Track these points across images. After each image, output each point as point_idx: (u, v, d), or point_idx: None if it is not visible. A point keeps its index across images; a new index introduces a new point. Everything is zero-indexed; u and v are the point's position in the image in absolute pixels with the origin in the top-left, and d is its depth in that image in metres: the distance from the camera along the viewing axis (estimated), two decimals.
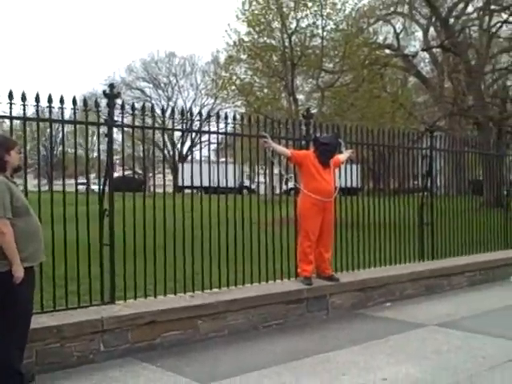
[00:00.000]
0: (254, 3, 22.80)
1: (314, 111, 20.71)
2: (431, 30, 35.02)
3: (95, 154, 7.34)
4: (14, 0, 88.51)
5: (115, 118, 6.86)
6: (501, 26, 31.58)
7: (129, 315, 6.32)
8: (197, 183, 7.65)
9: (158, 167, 9.69)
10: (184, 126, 7.82)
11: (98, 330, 6.06)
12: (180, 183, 16.66)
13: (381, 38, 31.63)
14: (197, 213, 7.49)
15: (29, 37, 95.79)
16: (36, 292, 5.51)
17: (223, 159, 8.11)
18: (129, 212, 6.82)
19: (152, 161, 8.17)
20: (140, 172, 12.49)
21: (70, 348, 5.87)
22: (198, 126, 8.11)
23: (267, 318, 7.51)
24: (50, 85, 69.41)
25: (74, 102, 6.53)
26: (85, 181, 7.18)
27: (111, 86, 6.89)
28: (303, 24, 23.01)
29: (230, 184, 8.12)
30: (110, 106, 6.78)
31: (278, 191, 9.75)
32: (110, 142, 6.84)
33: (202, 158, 8.06)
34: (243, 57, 24.03)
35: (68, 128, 7.07)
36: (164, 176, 7.91)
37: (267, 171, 9.10)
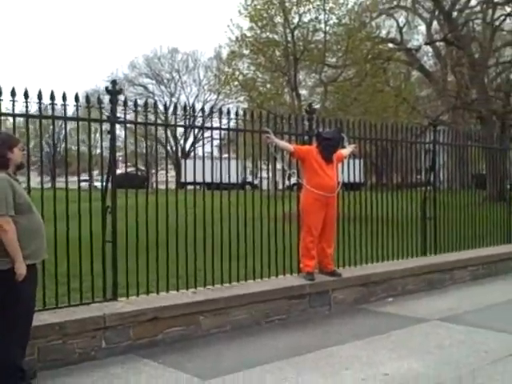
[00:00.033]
0: None
1: (316, 106, 20.76)
2: (434, 23, 34.97)
3: (98, 151, 7.35)
4: None
5: (118, 115, 6.87)
6: (504, 19, 31.46)
7: (131, 312, 6.33)
8: (199, 179, 7.66)
9: (160, 164, 9.71)
10: (187, 122, 7.82)
11: (100, 327, 6.07)
12: (183, 179, 16.72)
13: (384, 32, 31.64)
14: (199, 209, 7.50)
15: (31, 34, 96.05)
16: (38, 289, 5.51)
17: (226, 155, 8.11)
18: (131, 209, 6.83)
19: (155, 157, 8.14)
20: (143, 169, 12.51)
21: (72, 345, 5.89)
22: (201, 122, 8.12)
23: (270, 313, 7.52)
24: (52, 82, 69.30)
25: (77, 98, 6.53)
26: (88, 178, 7.19)
27: (113, 82, 6.90)
28: (306, 19, 23.02)
29: (233, 180, 8.13)
30: (113, 102, 6.79)
31: (280, 187, 9.76)
32: (113, 138, 6.85)
33: (205, 154, 8.07)
34: (246, 52, 24.02)
35: (71, 125, 7.09)
36: (167, 172, 7.92)
37: (270, 167, 9.11)
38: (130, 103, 6.99)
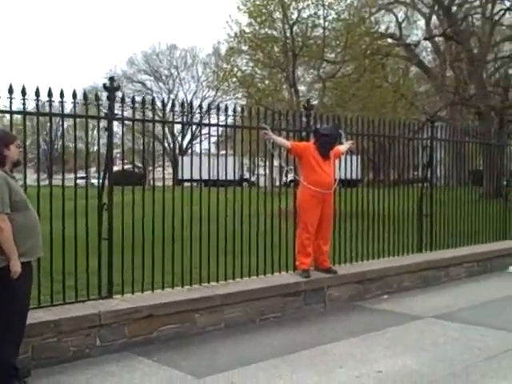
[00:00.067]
0: None
1: (315, 102, 20.76)
2: (434, 18, 34.86)
3: (95, 148, 7.35)
4: None
5: (115, 112, 6.87)
6: (504, 14, 31.42)
7: (126, 309, 6.34)
8: (197, 176, 7.66)
9: (158, 161, 9.72)
10: (184, 118, 7.83)
11: (95, 325, 6.08)
12: (180, 176, 16.72)
13: (383, 28, 31.47)
14: (196, 206, 7.51)
15: (29, 30, 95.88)
16: (33, 287, 5.52)
17: (223, 152, 8.12)
18: (128, 206, 6.84)
19: (152, 154, 8.17)
20: (140, 165, 12.50)
21: (67, 343, 5.89)
22: (199, 118, 8.13)
23: (265, 311, 7.54)
24: (50, 79, 69.08)
25: (74, 95, 6.53)
26: (85, 175, 7.19)
27: (111, 79, 6.88)
28: (305, 14, 23.05)
29: (230, 177, 8.14)
30: (110, 99, 6.78)
31: (278, 183, 9.76)
32: (110, 135, 6.85)
33: (203, 151, 8.07)
34: (244, 48, 24.02)
35: (68, 122, 7.10)
36: (164, 169, 7.92)
37: (267, 163, 9.11)
38: (127, 100, 6.99)
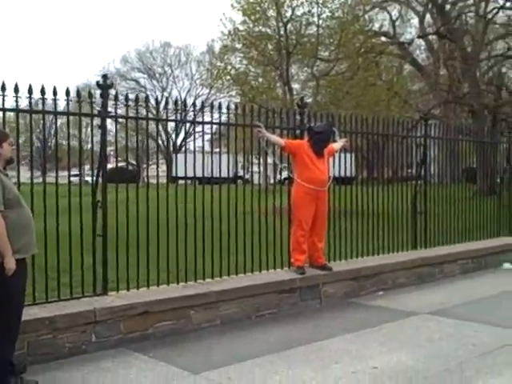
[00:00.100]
0: None
1: (309, 100, 20.78)
2: (427, 16, 34.98)
3: (89, 146, 7.35)
4: None
5: (109, 109, 6.86)
6: (497, 12, 31.43)
7: (121, 306, 6.34)
8: (191, 174, 7.66)
9: (152, 158, 9.71)
10: (178, 116, 7.82)
11: (91, 321, 6.08)
12: (174, 174, 16.70)
13: (377, 26, 31.57)
14: (191, 204, 7.50)
15: (22, 28, 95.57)
16: (28, 284, 5.51)
17: (217, 149, 8.12)
18: (122, 203, 6.83)
19: (146, 152, 8.16)
20: (134, 163, 12.51)
21: (62, 339, 5.89)
22: (193, 116, 8.12)
23: (260, 307, 7.54)
24: (43, 76, 69.06)
25: (68, 93, 6.52)
26: (78, 172, 7.18)
27: (105, 76, 6.89)
28: (299, 12, 22.97)
29: (224, 174, 8.14)
30: (104, 96, 6.77)
31: (272, 181, 9.77)
32: (104, 133, 6.84)
33: (197, 149, 8.06)
34: (238, 46, 23.97)
35: (61, 119, 7.08)
36: (157, 167, 7.92)
37: (261, 161, 9.11)
38: (121, 97, 6.98)
